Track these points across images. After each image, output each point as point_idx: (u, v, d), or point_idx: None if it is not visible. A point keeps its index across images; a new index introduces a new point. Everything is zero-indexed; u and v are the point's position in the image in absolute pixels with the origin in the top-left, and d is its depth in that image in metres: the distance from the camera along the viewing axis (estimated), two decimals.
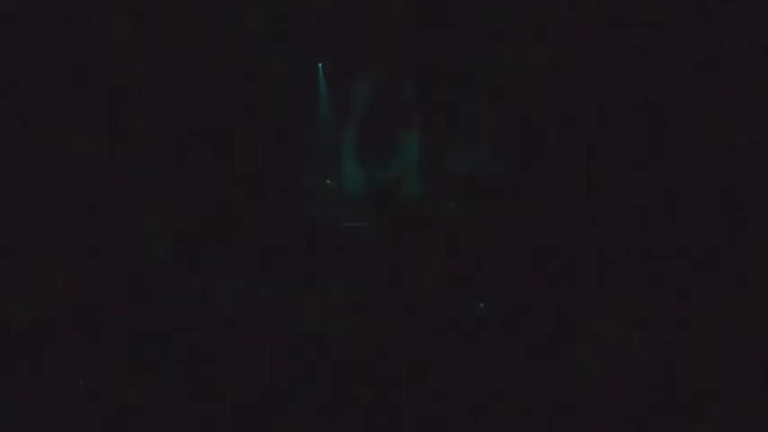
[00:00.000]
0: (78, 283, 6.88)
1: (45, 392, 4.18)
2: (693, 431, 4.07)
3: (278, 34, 13.83)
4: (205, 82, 13.70)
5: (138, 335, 5.17)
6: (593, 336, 5.36)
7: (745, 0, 10.60)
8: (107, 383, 4.34)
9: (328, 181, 14.26)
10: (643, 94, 12.23)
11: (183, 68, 13.47)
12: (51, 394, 4.18)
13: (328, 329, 5.76)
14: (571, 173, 13.68)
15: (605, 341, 5.22)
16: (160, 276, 7.45)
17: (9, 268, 7.67)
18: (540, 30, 11.50)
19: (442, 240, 11.13)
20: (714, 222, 10.84)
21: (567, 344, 5.14)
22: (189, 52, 13.34)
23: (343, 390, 4.32)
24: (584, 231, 11.10)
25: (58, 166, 12.68)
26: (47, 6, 12.70)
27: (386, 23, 13.78)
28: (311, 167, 14.73)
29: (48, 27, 12.66)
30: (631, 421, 4.09)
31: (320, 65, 14.28)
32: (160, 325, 5.42)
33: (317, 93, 14.55)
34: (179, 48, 13.29)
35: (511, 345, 5.10)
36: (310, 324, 5.83)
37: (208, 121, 13.78)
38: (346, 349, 5.07)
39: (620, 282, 7.39)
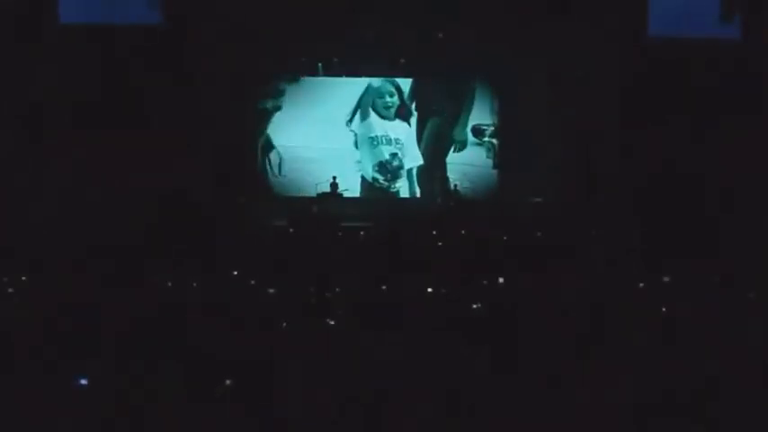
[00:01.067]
0: (78, 283, 6.90)
1: (45, 392, 4.19)
2: (693, 431, 4.08)
3: (278, 34, 13.84)
4: (205, 82, 13.69)
5: (138, 334, 5.18)
6: (592, 336, 5.38)
7: None
8: (107, 383, 4.35)
9: (330, 181, 14.29)
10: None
11: (184, 69, 13.47)
12: (51, 394, 4.19)
13: (328, 329, 5.77)
14: (570, 171, 13.67)
15: (605, 341, 5.24)
16: (159, 276, 7.48)
17: (9, 268, 7.69)
18: None
19: (443, 240, 11.15)
20: (714, 222, 10.86)
21: (565, 344, 5.15)
22: (189, 52, 13.34)
23: (342, 390, 4.33)
24: (584, 231, 11.12)
25: (57, 166, 12.69)
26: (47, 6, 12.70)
27: (387, 24, 13.78)
28: (311, 167, 14.76)
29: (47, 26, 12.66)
30: (631, 421, 4.10)
31: (320, 64, 14.30)
32: (160, 325, 5.44)
33: (316, 93, 14.56)
34: (178, 47, 13.28)
35: (511, 345, 5.11)
36: (311, 324, 5.84)
37: (208, 121, 13.77)
38: (346, 348, 5.08)
39: (619, 282, 7.41)
